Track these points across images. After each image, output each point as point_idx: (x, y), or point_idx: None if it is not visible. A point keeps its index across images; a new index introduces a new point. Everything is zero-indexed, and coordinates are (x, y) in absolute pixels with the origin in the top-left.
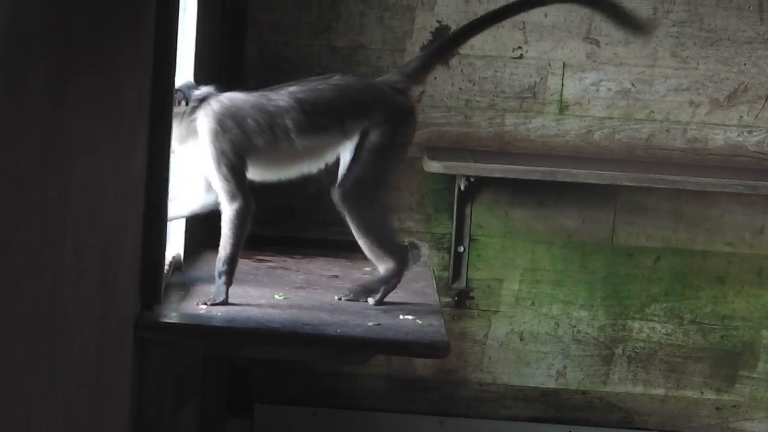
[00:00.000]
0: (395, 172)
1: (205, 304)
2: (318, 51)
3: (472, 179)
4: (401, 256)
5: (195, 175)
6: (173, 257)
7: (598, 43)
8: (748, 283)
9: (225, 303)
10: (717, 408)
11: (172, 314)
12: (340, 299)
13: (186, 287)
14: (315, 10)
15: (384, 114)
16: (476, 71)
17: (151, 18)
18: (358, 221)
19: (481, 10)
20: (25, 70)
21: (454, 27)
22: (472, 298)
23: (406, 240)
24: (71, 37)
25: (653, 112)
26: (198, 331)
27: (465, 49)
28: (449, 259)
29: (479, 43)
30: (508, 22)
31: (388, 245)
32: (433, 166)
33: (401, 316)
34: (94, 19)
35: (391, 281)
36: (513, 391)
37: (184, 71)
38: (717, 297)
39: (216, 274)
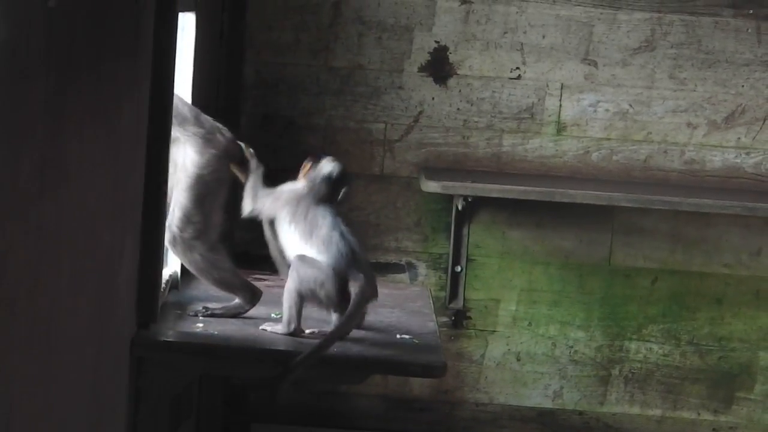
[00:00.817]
0: (213, 208)
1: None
2: (316, 71)
3: (469, 199)
4: (247, 293)
5: None
6: (170, 276)
7: (596, 65)
8: (746, 305)
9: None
10: (714, 429)
11: (168, 333)
12: (196, 314)
13: (182, 306)
14: (313, 31)
15: (191, 137)
16: (474, 92)
17: (150, 38)
18: (195, 267)
19: (479, 30)
20: (24, 88)
21: (452, 47)
22: (469, 318)
23: (404, 260)
24: (70, 56)
25: (651, 133)
26: (194, 349)
27: (463, 69)
28: (446, 279)
29: (477, 63)
30: (506, 43)
31: (231, 285)
32: (431, 186)
33: (398, 336)
34: (92, 38)
35: (235, 312)
36: (510, 411)
37: (182, 91)
38: (714, 318)
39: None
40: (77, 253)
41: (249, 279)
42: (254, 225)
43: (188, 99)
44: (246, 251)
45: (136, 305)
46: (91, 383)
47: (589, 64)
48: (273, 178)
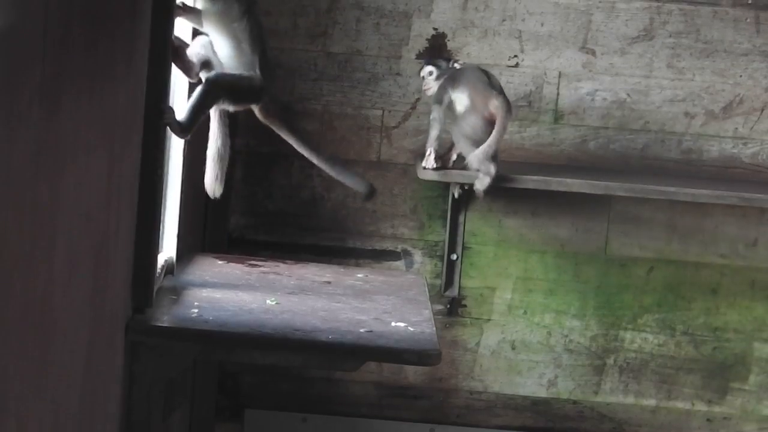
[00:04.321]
0: None
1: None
2: (314, 57)
3: (465, 187)
4: None
5: None
6: (165, 261)
7: (594, 53)
8: (741, 295)
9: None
10: (708, 420)
11: (163, 318)
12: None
13: (177, 291)
14: (311, 16)
15: None
16: None
17: (147, 21)
18: None
19: (477, 17)
20: (20, 74)
21: (450, 34)
22: (465, 306)
23: (399, 247)
24: (66, 42)
25: (648, 122)
26: (189, 335)
27: (461, 56)
28: (442, 267)
29: (476, 51)
30: (504, 30)
31: None
32: (428, 174)
33: (393, 323)
34: (89, 21)
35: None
36: (504, 399)
37: (179, 76)
38: (709, 309)
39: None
40: (72, 238)
41: (245, 264)
42: (250, 211)
43: (185, 83)
44: (242, 236)
45: (131, 290)
46: (85, 367)
47: (588, 53)
48: (268, 163)
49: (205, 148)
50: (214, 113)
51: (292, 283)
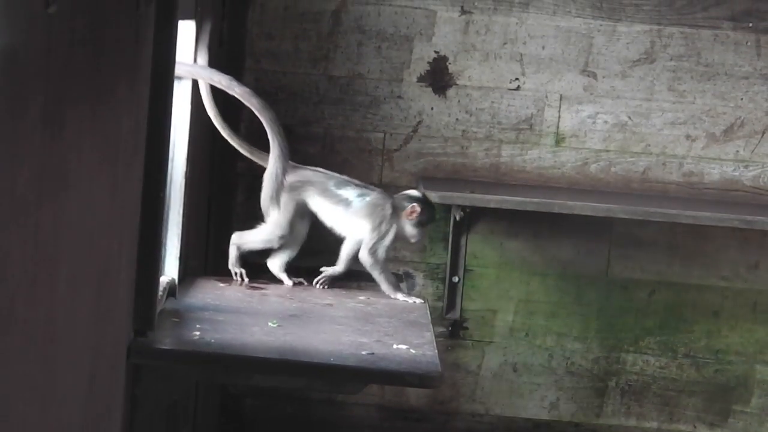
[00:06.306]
0: None
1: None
2: (316, 80)
3: (467, 210)
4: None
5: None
6: (167, 283)
7: (595, 76)
8: (743, 318)
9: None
10: None
11: (165, 340)
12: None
13: (180, 314)
14: (313, 40)
15: None
16: (473, 102)
17: (149, 46)
18: None
19: (478, 41)
20: (24, 98)
21: (451, 57)
22: (466, 328)
23: (401, 269)
24: (70, 67)
25: (649, 145)
26: (191, 357)
27: (462, 79)
28: (444, 289)
29: (477, 74)
30: (505, 54)
31: None
32: (429, 196)
33: (395, 346)
34: (92, 46)
35: None
36: (505, 422)
37: (182, 100)
38: (711, 331)
39: None
40: (75, 260)
41: (247, 287)
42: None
43: (187, 107)
44: (244, 259)
45: (134, 313)
46: (87, 390)
47: (589, 76)
48: None
49: (206, 169)
50: (274, 140)
51: (294, 306)
